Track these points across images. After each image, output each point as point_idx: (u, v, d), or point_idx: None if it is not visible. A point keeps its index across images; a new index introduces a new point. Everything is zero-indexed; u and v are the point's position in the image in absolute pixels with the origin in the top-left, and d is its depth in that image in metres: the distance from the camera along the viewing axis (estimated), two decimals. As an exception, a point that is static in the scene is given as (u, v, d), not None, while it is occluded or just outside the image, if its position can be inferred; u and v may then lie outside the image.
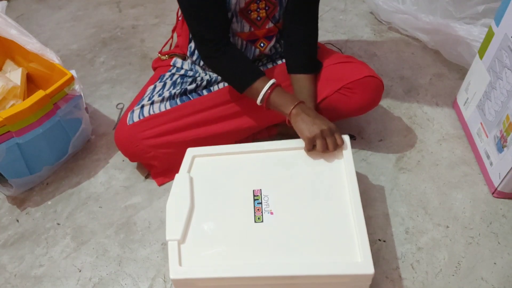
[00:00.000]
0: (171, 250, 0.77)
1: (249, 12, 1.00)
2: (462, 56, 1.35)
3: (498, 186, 1.00)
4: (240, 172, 0.90)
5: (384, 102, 1.29)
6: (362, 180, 1.08)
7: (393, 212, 1.01)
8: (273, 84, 0.94)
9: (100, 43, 1.64)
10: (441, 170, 1.10)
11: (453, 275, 0.89)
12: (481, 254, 0.92)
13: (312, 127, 0.88)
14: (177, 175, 0.89)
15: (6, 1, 1.32)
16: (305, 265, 0.74)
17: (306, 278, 0.74)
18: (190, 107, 1.05)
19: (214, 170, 0.91)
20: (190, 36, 1.07)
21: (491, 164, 1.03)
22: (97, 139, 1.24)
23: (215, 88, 1.08)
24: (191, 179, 0.88)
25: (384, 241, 0.96)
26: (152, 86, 1.10)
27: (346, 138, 0.92)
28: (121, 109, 1.34)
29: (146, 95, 1.08)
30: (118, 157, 1.18)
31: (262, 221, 0.81)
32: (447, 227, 0.98)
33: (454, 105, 1.27)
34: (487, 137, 1.04)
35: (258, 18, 1.02)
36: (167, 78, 1.11)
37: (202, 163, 0.93)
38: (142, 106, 1.05)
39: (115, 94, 1.40)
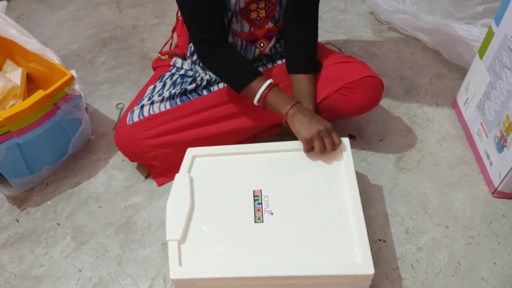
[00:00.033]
0: (171, 250, 0.77)
1: (249, 12, 1.00)
2: (462, 56, 1.35)
3: (498, 186, 1.00)
4: (240, 172, 0.90)
5: (384, 102, 1.29)
6: (362, 180, 1.08)
7: (393, 212, 1.01)
8: (270, 84, 0.94)
9: (100, 43, 1.64)
10: (441, 170, 1.10)
11: (453, 275, 0.89)
12: (481, 254, 0.92)
13: (309, 127, 0.88)
14: (177, 175, 0.89)
15: (6, 1, 1.32)
16: (305, 265, 0.74)
17: (306, 278, 0.74)
18: (190, 107, 1.05)
19: (214, 170, 0.91)
20: (190, 36, 1.08)
21: (491, 164, 1.03)
22: (97, 139, 1.24)
23: (215, 88, 1.08)
24: (191, 179, 0.88)
25: (384, 241, 0.96)
26: (152, 86, 1.10)
27: (345, 139, 0.92)
28: (121, 109, 1.34)
29: (146, 95, 1.08)
30: (118, 157, 1.18)
31: (262, 222, 0.81)
32: (447, 227, 0.98)
33: (454, 105, 1.27)
34: (487, 137, 1.04)
35: (258, 18, 1.02)
36: (167, 78, 1.11)
37: (202, 163, 0.93)
38: (142, 106, 1.05)
39: (115, 94, 1.40)
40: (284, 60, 1.11)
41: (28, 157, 1.03)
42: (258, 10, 1.00)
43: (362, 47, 1.52)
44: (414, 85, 1.35)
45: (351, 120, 1.23)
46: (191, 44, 1.10)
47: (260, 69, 1.12)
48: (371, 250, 0.74)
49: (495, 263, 0.91)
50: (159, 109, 1.04)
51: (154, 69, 1.20)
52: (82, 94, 1.09)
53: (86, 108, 1.15)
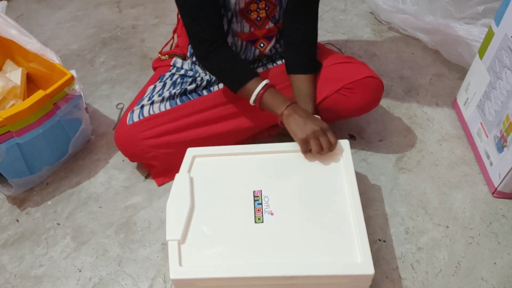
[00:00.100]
0: (171, 250, 0.77)
1: (249, 12, 1.00)
2: (462, 56, 1.35)
3: (498, 186, 1.00)
4: (240, 172, 0.90)
5: (384, 102, 1.29)
6: (362, 180, 1.08)
7: (393, 212, 1.01)
8: (266, 84, 0.94)
9: (100, 43, 1.64)
10: (441, 170, 1.10)
11: (453, 275, 0.89)
12: (481, 254, 0.92)
13: (304, 128, 0.88)
14: (177, 175, 0.89)
15: (6, 1, 1.32)
16: (305, 265, 0.74)
17: (306, 278, 0.74)
18: (190, 107, 1.05)
19: (214, 171, 0.91)
20: (190, 36, 1.08)
21: (491, 164, 1.03)
22: (97, 139, 1.24)
23: (215, 88, 1.08)
24: (191, 179, 0.89)
25: (384, 241, 0.96)
26: (152, 86, 1.10)
27: (345, 141, 0.92)
28: (121, 109, 1.34)
29: (146, 95, 1.08)
30: (118, 157, 1.18)
31: (262, 222, 0.81)
32: (447, 227, 0.98)
33: (454, 105, 1.27)
34: (487, 137, 1.04)
35: (258, 18, 1.02)
36: (167, 78, 1.11)
37: (202, 163, 0.93)
38: (142, 106, 1.05)
39: (115, 94, 1.40)
40: (284, 60, 1.11)
41: (28, 157, 1.03)
42: (258, 10, 1.00)
43: (362, 47, 1.52)
44: (414, 85, 1.35)
45: (351, 120, 1.23)
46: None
47: (260, 69, 1.12)
48: (371, 250, 0.74)
49: (495, 263, 0.91)
50: (159, 109, 1.04)
51: (154, 69, 1.20)
52: (82, 94, 1.09)
53: (86, 108, 1.15)
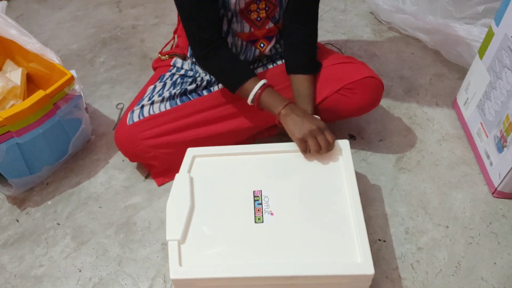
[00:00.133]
0: (171, 250, 0.77)
1: (249, 12, 1.00)
2: (462, 56, 1.35)
3: (498, 186, 1.00)
4: (240, 172, 0.90)
5: (384, 102, 1.29)
6: (362, 180, 1.08)
7: (393, 212, 1.01)
8: (263, 84, 0.94)
9: (100, 43, 1.64)
10: (441, 170, 1.10)
11: (453, 275, 0.89)
12: (481, 254, 0.92)
13: (301, 127, 0.88)
14: (177, 175, 0.89)
15: (6, 1, 1.32)
16: (305, 265, 0.74)
17: (306, 278, 0.74)
18: (190, 107, 1.05)
19: (214, 171, 0.91)
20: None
21: (491, 164, 1.03)
22: (97, 139, 1.24)
23: (215, 88, 1.08)
24: (191, 179, 0.89)
25: (384, 241, 0.96)
26: (152, 86, 1.10)
27: (345, 141, 0.92)
28: (121, 109, 1.34)
29: (146, 95, 1.08)
30: (118, 157, 1.18)
31: (262, 222, 0.81)
32: (447, 227, 0.98)
33: (454, 105, 1.27)
34: (487, 137, 1.04)
35: (258, 18, 1.02)
36: (167, 78, 1.11)
37: (202, 163, 0.93)
38: (142, 106, 1.05)
39: (115, 94, 1.40)
40: (284, 61, 1.11)
41: (28, 157, 1.03)
42: (258, 10, 1.00)
43: (362, 47, 1.52)
44: (414, 85, 1.35)
45: (351, 120, 1.23)
46: (191, 45, 1.10)
47: (260, 69, 1.12)
48: (371, 250, 0.74)
49: (495, 263, 0.91)
50: (159, 109, 1.04)
51: (154, 69, 1.20)
52: (82, 94, 1.09)
53: (86, 108, 1.15)
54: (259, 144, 0.96)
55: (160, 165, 1.08)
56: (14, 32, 1.13)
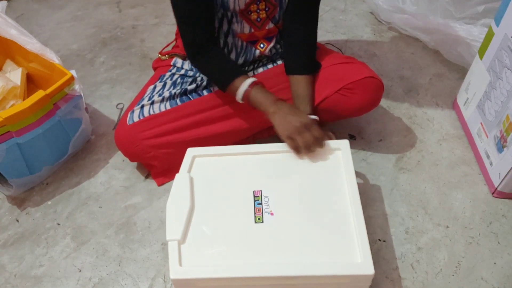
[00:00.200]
0: (171, 250, 0.77)
1: (249, 13, 1.00)
2: (462, 56, 1.35)
3: (498, 186, 1.00)
4: (240, 172, 0.90)
5: (384, 102, 1.29)
6: (362, 180, 1.08)
7: (393, 212, 1.01)
8: (253, 82, 0.95)
9: (100, 43, 1.64)
10: (441, 170, 1.10)
11: (453, 275, 0.89)
12: (481, 254, 0.92)
13: (287, 125, 0.89)
14: (177, 175, 0.89)
15: (6, 1, 1.32)
16: (305, 265, 0.74)
17: (306, 278, 0.74)
18: (190, 107, 1.05)
19: (214, 171, 0.91)
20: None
21: (491, 164, 1.03)
22: (97, 139, 1.24)
23: (215, 88, 1.08)
24: (191, 179, 0.88)
25: (384, 241, 0.96)
26: (152, 86, 1.10)
27: (345, 141, 0.92)
28: (121, 109, 1.34)
29: (146, 95, 1.08)
30: (118, 157, 1.18)
31: (262, 222, 0.81)
32: (447, 227, 0.98)
33: (454, 105, 1.27)
34: (487, 137, 1.04)
35: (258, 19, 1.02)
36: (167, 78, 1.11)
37: (202, 163, 0.93)
38: (142, 106, 1.05)
39: (115, 94, 1.40)
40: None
41: (28, 157, 1.03)
42: (258, 11, 1.00)
43: (362, 47, 1.52)
44: (414, 85, 1.35)
45: (351, 120, 1.23)
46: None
47: (260, 69, 1.12)
48: (371, 250, 0.74)
49: (495, 263, 0.91)
50: (159, 109, 1.04)
51: (154, 69, 1.20)
52: (82, 94, 1.09)
53: (86, 108, 1.15)
54: (259, 144, 0.96)
55: (160, 165, 1.08)
56: (14, 32, 1.13)
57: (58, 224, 1.05)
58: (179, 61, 1.13)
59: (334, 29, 1.62)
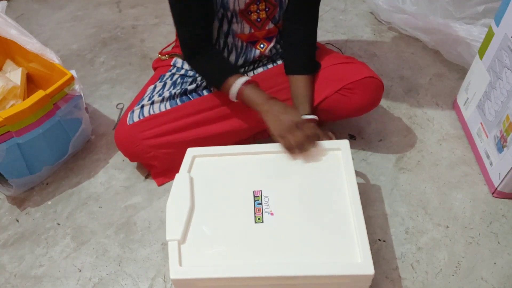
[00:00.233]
0: (171, 250, 0.77)
1: (249, 13, 1.00)
2: (462, 56, 1.35)
3: (498, 186, 1.00)
4: (240, 172, 0.90)
5: (384, 102, 1.29)
6: (362, 180, 1.08)
7: (393, 212, 1.01)
8: (246, 81, 0.95)
9: (100, 43, 1.64)
10: (441, 170, 1.10)
11: (453, 275, 0.89)
12: (481, 254, 0.92)
13: (280, 124, 0.89)
14: (177, 175, 0.89)
15: (6, 1, 1.32)
16: (305, 265, 0.74)
17: (306, 278, 0.74)
18: (190, 107, 1.05)
19: (214, 171, 0.91)
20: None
21: (491, 164, 1.03)
22: (97, 139, 1.24)
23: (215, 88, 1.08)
24: (191, 179, 0.88)
25: (384, 241, 0.96)
26: (152, 86, 1.10)
27: (345, 141, 0.92)
28: (121, 109, 1.34)
29: (146, 95, 1.08)
30: (118, 157, 1.18)
31: (262, 222, 0.81)
32: (447, 227, 0.98)
33: (454, 105, 1.27)
34: (487, 137, 1.04)
35: (258, 19, 1.02)
36: (167, 78, 1.11)
37: (202, 163, 0.93)
38: (142, 106, 1.05)
39: (115, 94, 1.40)
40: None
41: (28, 157, 1.03)
42: (258, 11, 1.00)
43: (362, 47, 1.52)
44: (414, 85, 1.35)
45: (351, 120, 1.23)
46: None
47: (260, 69, 1.12)
48: (371, 250, 0.74)
49: (495, 263, 0.91)
50: (159, 109, 1.04)
51: (154, 69, 1.20)
52: (82, 94, 1.09)
53: (86, 108, 1.15)
54: (259, 144, 0.96)
55: (160, 165, 1.08)
56: (14, 32, 1.13)
57: (58, 224, 1.05)
58: (179, 61, 1.13)
59: (334, 29, 1.62)
